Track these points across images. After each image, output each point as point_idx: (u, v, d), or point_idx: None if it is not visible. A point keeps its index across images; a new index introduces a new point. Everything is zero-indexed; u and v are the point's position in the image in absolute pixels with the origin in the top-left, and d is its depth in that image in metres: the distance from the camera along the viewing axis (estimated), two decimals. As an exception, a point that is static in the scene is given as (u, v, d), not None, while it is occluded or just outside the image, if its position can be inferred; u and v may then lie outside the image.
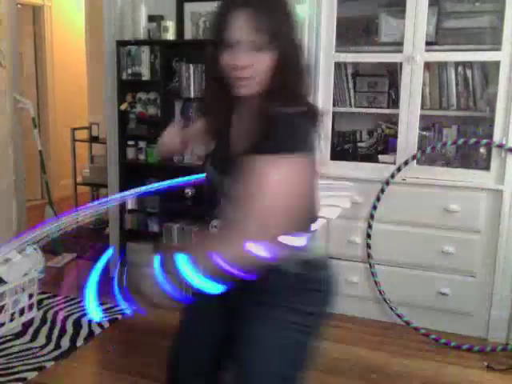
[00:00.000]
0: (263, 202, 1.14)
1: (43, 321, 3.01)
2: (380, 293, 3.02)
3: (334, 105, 3.08)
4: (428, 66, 2.93)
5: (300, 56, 1.24)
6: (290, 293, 1.30)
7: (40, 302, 3.18)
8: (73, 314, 3.10)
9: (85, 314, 3.09)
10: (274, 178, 1.13)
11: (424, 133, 3.02)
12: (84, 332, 2.89)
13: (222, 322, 1.42)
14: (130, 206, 3.43)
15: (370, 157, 3.16)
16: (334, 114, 3.11)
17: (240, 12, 1.16)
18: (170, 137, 1.57)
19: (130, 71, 3.30)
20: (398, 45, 2.88)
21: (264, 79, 1.20)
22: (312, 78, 1.34)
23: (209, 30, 1.33)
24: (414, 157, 2.90)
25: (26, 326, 2.95)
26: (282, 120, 1.17)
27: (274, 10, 1.19)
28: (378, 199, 2.98)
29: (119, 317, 3.09)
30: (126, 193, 1.71)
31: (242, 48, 1.17)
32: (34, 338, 2.83)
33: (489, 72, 2.90)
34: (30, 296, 3.03)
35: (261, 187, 1.13)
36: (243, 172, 1.15)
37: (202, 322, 1.47)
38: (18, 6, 4.72)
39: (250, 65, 1.18)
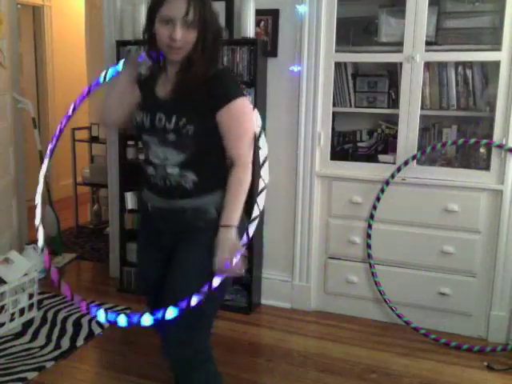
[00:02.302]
0: (249, 138, 1.63)
1: (43, 321, 3.01)
2: (380, 293, 3.02)
3: (334, 105, 3.08)
4: (428, 65, 2.93)
5: (216, 34, 1.61)
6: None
7: (40, 302, 3.18)
8: (73, 314, 3.11)
9: (84, 315, 3.09)
10: (249, 116, 1.63)
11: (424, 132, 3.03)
12: (84, 332, 2.89)
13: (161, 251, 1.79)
14: (129, 206, 3.43)
15: (370, 157, 3.16)
16: (334, 114, 3.12)
17: None
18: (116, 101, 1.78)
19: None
20: (397, 45, 2.88)
21: (189, 49, 1.57)
22: (220, 53, 1.71)
23: (149, 6, 1.63)
24: (413, 157, 2.90)
25: (26, 326, 2.95)
26: (223, 79, 1.62)
27: (205, 1, 1.56)
28: (378, 199, 2.98)
29: (119, 317, 3.09)
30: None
31: (178, 24, 1.53)
32: (33, 337, 2.83)
33: (489, 72, 2.90)
34: (30, 296, 3.03)
35: (244, 125, 1.62)
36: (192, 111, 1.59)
37: (147, 253, 1.87)
38: (18, 6, 4.72)
39: (183, 38, 1.54)
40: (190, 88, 1.60)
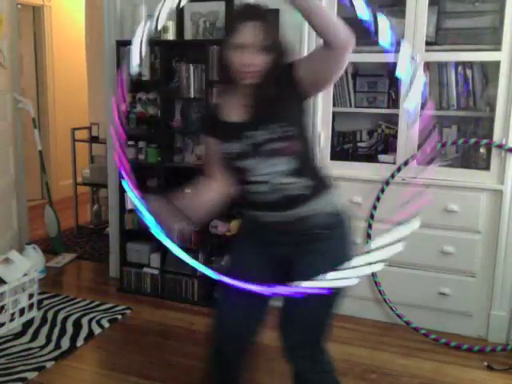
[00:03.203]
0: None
1: (43, 321, 3.01)
2: (380, 293, 3.02)
3: (334, 105, 3.08)
4: (428, 65, 2.93)
5: (287, 56, 1.65)
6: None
7: (40, 302, 3.18)
8: (73, 313, 3.11)
9: (84, 315, 3.10)
10: None
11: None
12: (84, 332, 2.89)
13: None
14: (129, 206, 3.43)
15: (370, 157, 3.16)
16: (334, 114, 3.11)
17: (250, 23, 1.56)
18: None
19: (130, 71, 3.29)
20: (398, 45, 2.88)
21: (261, 72, 1.59)
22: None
23: (225, 34, 1.70)
24: (413, 157, 2.90)
25: (26, 326, 2.95)
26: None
27: (272, 23, 1.64)
28: (378, 199, 2.98)
29: (119, 317, 3.09)
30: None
31: (250, 50, 1.56)
32: (33, 337, 2.83)
33: (489, 72, 2.90)
34: (30, 296, 3.03)
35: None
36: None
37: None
38: (18, 6, 4.72)
39: (255, 62, 1.57)
40: (268, 109, 1.62)
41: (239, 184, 1.72)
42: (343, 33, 1.58)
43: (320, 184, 1.70)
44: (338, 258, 1.61)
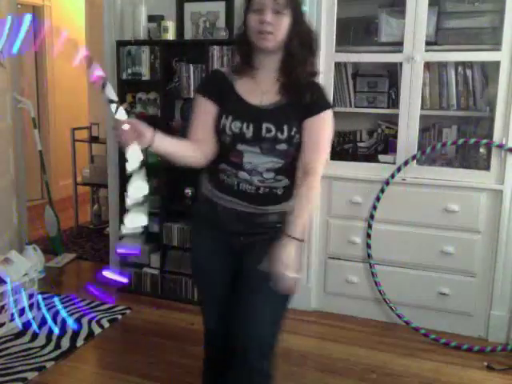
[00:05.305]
0: (327, 150, 1.68)
1: (43, 321, 3.01)
2: (380, 293, 3.02)
3: (333, 105, 3.06)
4: (428, 65, 2.93)
5: (306, 22, 1.66)
6: None
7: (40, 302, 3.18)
8: (73, 314, 3.11)
9: (84, 315, 3.09)
10: (331, 129, 1.67)
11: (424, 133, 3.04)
12: (84, 332, 2.89)
13: (230, 261, 1.75)
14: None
15: (370, 157, 3.16)
16: (334, 114, 3.10)
17: None
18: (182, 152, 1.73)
19: (130, 71, 3.30)
20: (398, 45, 2.88)
21: (281, 37, 1.58)
22: (317, 41, 1.69)
23: (243, 7, 1.66)
24: (413, 157, 2.90)
25: (26, 326, 2.95)
26: (319, 86, 1.70)
27: None
28: (378, 199, 2.98)
29: (119, 317, 3.09)
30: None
31: (268, 9, 1.55)
32: (34, 337, 2.83)
33: (489, 72, 2.90)
34: (30, 296, 3.03)
35: (327, 137, 1.65)
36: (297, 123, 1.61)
37: (213, 264, 1.78)
38: (18, 6, 4.71)
39: (273, 21, 1.55)
40: (298, 87, 1.62)
41: (218, 161, 1.68)
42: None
43: (294, 187, 1.69)
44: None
